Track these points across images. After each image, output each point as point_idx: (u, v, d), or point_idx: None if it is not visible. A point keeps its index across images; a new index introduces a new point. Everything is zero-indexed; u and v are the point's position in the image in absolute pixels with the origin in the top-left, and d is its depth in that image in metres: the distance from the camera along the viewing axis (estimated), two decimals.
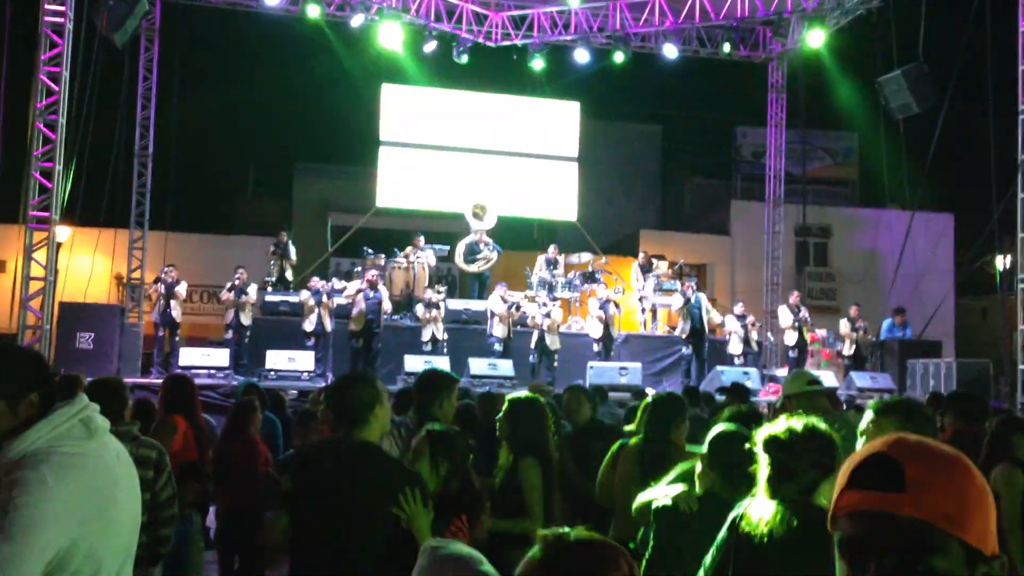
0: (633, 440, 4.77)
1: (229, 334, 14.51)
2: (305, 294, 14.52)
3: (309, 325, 14.26)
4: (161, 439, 5.58)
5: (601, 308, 15.20)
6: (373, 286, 14.33)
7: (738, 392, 8.00)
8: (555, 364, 14.61)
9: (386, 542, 3.11)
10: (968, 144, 18.24)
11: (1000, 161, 15.69)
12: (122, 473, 2.39)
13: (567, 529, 1.69)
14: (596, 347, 15.15)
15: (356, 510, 3.17)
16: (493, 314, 14.95)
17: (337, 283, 15.06)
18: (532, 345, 14.66)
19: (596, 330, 15.19)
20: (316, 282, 14.69)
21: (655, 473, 4.37)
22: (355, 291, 14.26)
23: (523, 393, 4.86)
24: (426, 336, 14.63)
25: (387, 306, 14.52)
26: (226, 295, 14.62)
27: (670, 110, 26.15)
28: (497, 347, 14.67)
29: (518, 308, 14.99)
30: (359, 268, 16.33)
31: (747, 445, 2.95)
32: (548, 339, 14.61)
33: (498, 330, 14.81)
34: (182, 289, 14.73)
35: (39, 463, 2.16)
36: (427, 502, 3.14)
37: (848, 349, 15.93)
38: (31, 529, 2.07)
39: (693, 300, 15.35)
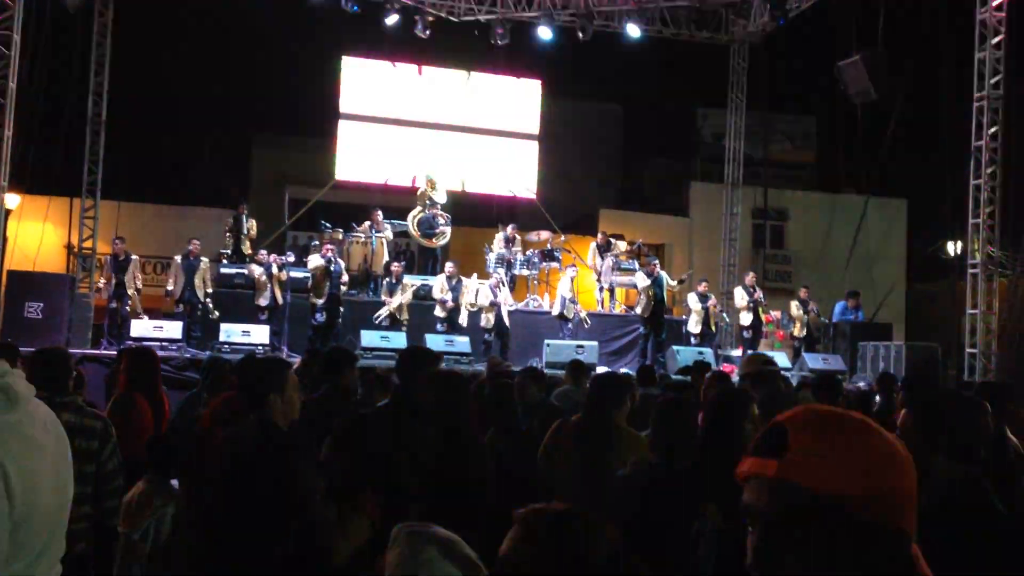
0: (574, 418, 4.79)
1: (179, 308, 14.31)
2: (257, 269, 14.34)
3: (263, 300, 14.11)
4: (121, 415, 5.48)
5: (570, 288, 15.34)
6: (334, 259, 14.27)
7: (700, 371, 8.07)
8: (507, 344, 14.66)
9: None
10: (923, 131, 18.48)
11: (954, 148, 15.94)
12: (49, 446, 2.30)
13: (544, 504, 1.68)
14: (569, 325, 15.25)
15: None
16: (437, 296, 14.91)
17: (290, 257, 14.88)
18: (489, 325, 14.62)
19: (568, 308, 15.27)
20: (264, 256, 14.53)
21: (593, 451, 4.41)
22: (321, 264, 14.14)
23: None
24: (384, 312, 14.55)
25: (345, 277, 14.47)
26: (174, 274, 14.43)
27: (632, 90, 26.12)
28: (440, 327, 14.61)
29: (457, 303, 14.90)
30: (316, 242, 16.18)
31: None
32: (485, 317, 14.61)
33: (440, 310, 14.73)
34: (135, 264, 14.50)
35: None
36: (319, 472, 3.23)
37: (799, 331, 16.13)
38: None
39: (658, 280, 15.43)
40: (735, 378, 5.01)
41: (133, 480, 4.93)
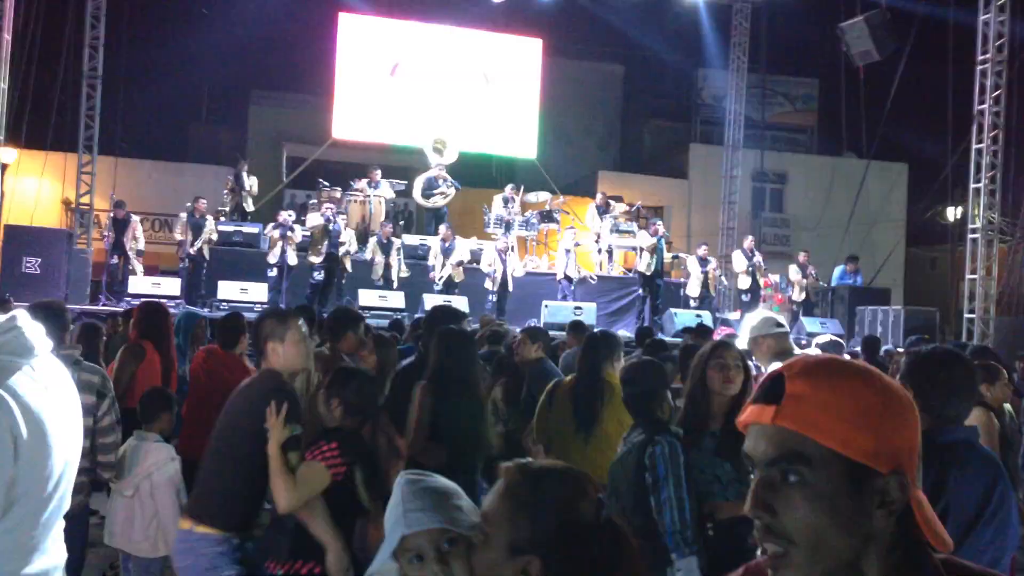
0: (568, 378, 4.79)
1: (184, 263, 14.32)
2: (270, 227, 14.37)
3: (273, 258, 14.09)
4: (127, 363, 5.51)
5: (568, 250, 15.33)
6: (333, 219, 14.23)
7: (702, 333, 8.14)
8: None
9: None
10: (926, 94, 18.35)
11: (956, 112, 15.86)
12: (60, 397, 2.31)
13: (530, 459, 1.67)
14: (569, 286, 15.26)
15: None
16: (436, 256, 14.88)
17: (293, 215, 14.86)
18: (494, 287, 14.62)
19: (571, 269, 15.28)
20: (283, 215, 14.52)
21: (587, 411, 4.43)
22: (320, 223, 14.11)
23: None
24: (375, 274, 14.53)
25: (345, 237, 14.40)
26: (182, 228, 14.40)
27: (632, 51, 25.89)
28: (436, 287, 14.61)
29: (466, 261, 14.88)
30: (314, 200, 16.11)
31: None
32: (490, 280, 14.62)
33: (437, 274, 14.71)
34: (134, 224, 14.52)
35: None
36: (292, 418, 3.30)
37: (798, 295, 16.14)
38: None
39: (661, 241, 15.42)
40: (740, 339, 4.99)
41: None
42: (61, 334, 4.21)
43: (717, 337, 6.83)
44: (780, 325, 4.92)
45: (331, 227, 14.19)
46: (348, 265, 14.38)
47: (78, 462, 2.40)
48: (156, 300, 8.42)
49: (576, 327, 7.45)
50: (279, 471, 3.22)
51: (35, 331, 2.28)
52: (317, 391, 3.73)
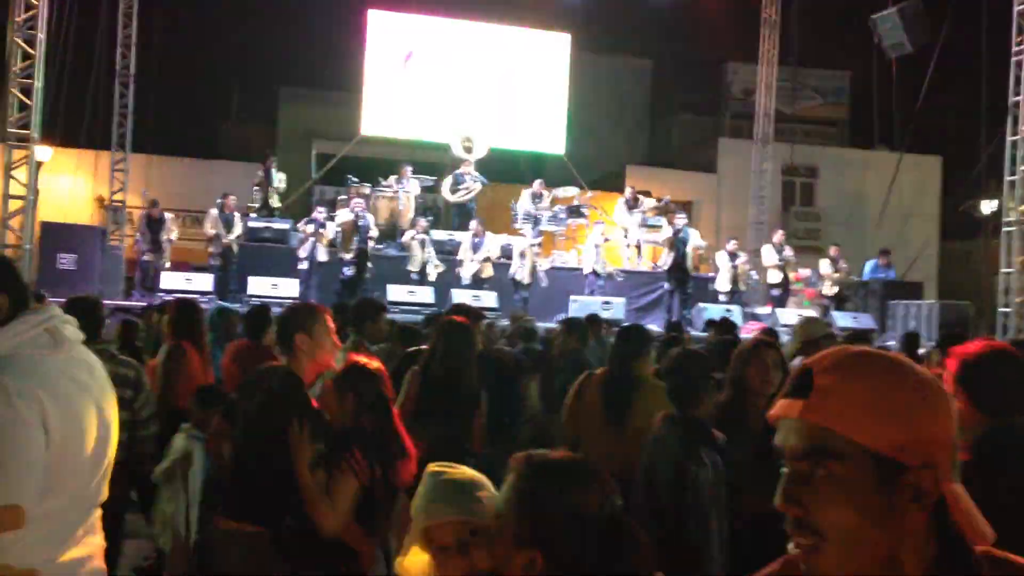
0: (598, 371, 4.80)
1: (214, 261, 14.44)
2: (303, 222, 14.53)
3: (303, 252, 14.20)
4: (171, 364, 5.55)
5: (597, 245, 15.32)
6: (362, 215, 14.31)
7: (725, 327, 8.04)
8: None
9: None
10: (959, 86, 18.10)
11: (991, 104, 15.64)
12: (94, 389, 2.32)
13: (542, 451, 1.67)
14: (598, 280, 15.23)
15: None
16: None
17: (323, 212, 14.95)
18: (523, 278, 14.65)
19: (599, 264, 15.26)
20: (317, 212, 14.62)
21: (617, 404, 4.42)
22: (350, 219, 14.20)
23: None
24: (415, 266, 14.59)
25: (374, 233, 14.48)
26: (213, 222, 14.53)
27: (661, 45, 25.76)
28: (465, 282, 14.63)
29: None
30: (343, 196, 16.19)
31: None
32: (524, 273, 14.64)
33: (466, 269, 14.74)
34: (169, 222, 14.70)
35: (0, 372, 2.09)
36: (314, 435, 3.25)
37: (829, 289, 16.00)
38: (16, 436, 2.02)
39: (681, 234, 15.33)
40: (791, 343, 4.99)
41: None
42: (97, 328, 4.28)
43: (746, 332, 6.81)
44: (828, 325, 4.93)
45: (360, 223, 14.26)
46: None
47: (114, 454, 2.44)
48: (188, 297, 8.48)
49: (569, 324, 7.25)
50: (316, 497, 3.15)
51: (67, 325, 2.31)
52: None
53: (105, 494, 2.40)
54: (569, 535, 1.54)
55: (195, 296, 12.89)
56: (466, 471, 2.12)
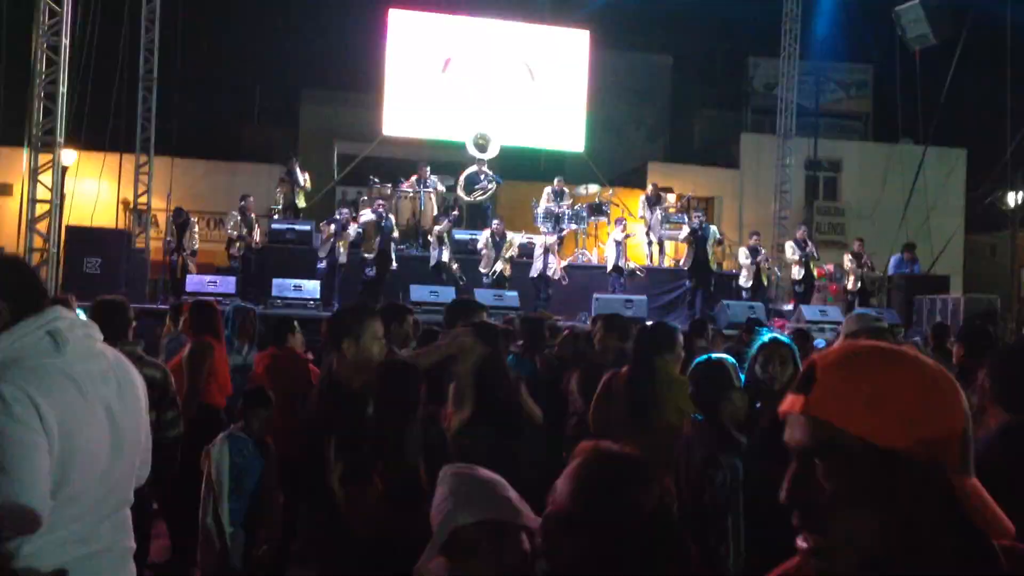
0: (624, 368, 4.78)
1: (236, 263, 14.55)
2: (325, 222, 14.60)
3: (323, 252, 14.27)
4: (199, 360, 5.60)
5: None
6: (386, 215, 14.38)
7: (752, 329, 7.84)
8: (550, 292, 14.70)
9: None
10: (984, 77, 17.91)
11: (1016, 96, 15.48)
12: (103, 391, 2.31)
13: (607, 442, 1.69)
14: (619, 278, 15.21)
15: None
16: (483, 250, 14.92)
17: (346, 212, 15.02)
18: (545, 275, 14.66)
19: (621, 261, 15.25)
20: (341, 212, 14.71)
21: (640, 401, 4.41)
22: (372, 219, 14.27)
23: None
24: (432, 262, 14.65)
25: (396, 235, 14.55)
26: (235, 224, 14.64)
27: (681, 40, 25.66)
28: (486, 280, 14.65)
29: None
30: (365, 197, 16.24)
31: None
32: (546, 272, 14.64)
33: (487, 267, 14.75)
34: (193, 226, 14.85)
35: None
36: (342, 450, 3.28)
37: (852, 284, 15.90)
38: (14, 440, 2.05)
39: (701, 231, 15.27)
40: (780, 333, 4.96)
41: (213, 425, 5.04)
42: (124, 330, 4.31)
43: (772, 331, 6.74)
44: (878, 320, 4.90)
45: (383, 223, 14.31)
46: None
47: (137, 457, 2.45)
48: (205, 298, 8.54)
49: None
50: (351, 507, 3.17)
51: (73, 327, 2.30)
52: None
53: (130, 496, 2.42)
54: (624, 528, 1.55)
55: (216, 297, 13.14)
56: (486, 471, 2.11)
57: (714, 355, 4.43)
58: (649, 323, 5.34)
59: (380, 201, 14.82)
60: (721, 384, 3.67)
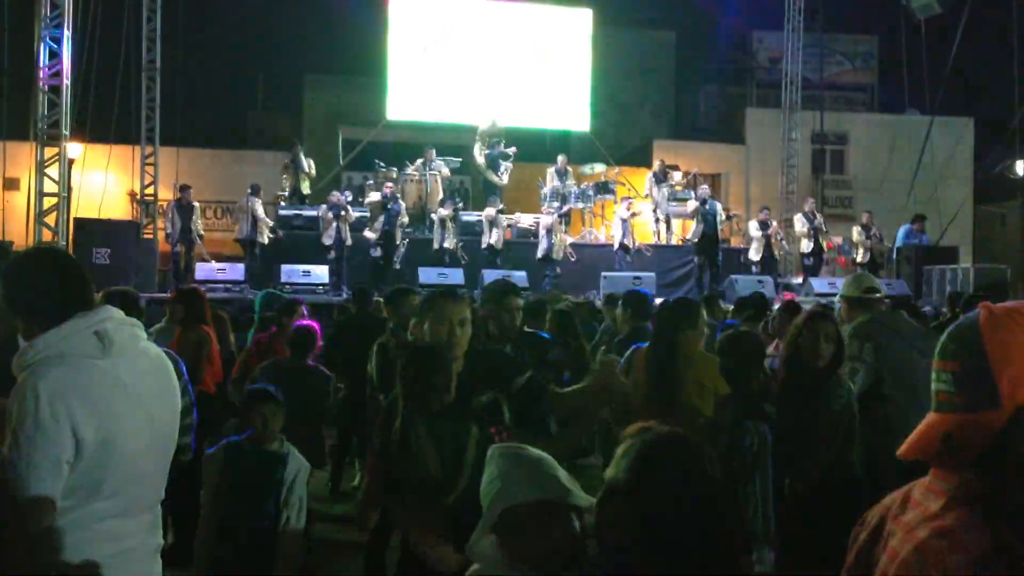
0: (646, 345, 4.73)
1: (251, 247, 14.56)
2: (323, 208, 14.56)
3: (328, 239, 14.29)
4: (196, 349, 5.61)
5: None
6: (393, 198, 14.38)
7: (755, 304, 7.60)
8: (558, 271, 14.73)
9: None
10: (990, 47, 17.79)
11: (1023, 63, 15.36)
12: (146, 395, 2.34)
13: (654, 424, 1.72)
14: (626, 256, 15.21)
15: None
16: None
17: (348, 196, 15.05)
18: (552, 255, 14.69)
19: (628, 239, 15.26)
20: (336, 196, 14.67)
21: (660, 377, 4.38)
22: (378, 199, 14.30)
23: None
24: (436, 245, 14.69)
25: (404, 219, 14.55)
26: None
27: (684, 16, 25.50)
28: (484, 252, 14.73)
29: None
30: (371, 181, 16.25)
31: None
32: (553, 250, 14.67)
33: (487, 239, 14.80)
34: (197, 211, 14.83)
35: (37, 375, 2.14)
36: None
37: (862, 256, 15.86)
38: (33, 440, 2.08)
39: (708, 206, 15.24)
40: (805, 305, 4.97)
41: (210, 413, 5.04)
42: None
43: (779, 303, 6.72)
44: (871, 290, 4.88)
45: (390, 205, 14.32)
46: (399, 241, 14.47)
47: (170, 454, 2.48)
48: (192, 286, 8.41)
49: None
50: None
51: (121, 327, 2.33)
52: None
53: (160, 492, 2.45)
54: (680, 499, 1.61)
55: (226, 284, 13.26)
56: (535, 451, 2.13)
57: (743, 329, 4.46)
58: (672, 299, 5.26)
59: (389, 184, 14.87)
60: (752, 357, 3.71)
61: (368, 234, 14.29)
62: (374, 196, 14.44)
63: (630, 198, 16.03)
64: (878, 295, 4.94)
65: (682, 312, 4.60)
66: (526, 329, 4.71)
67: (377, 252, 14.24)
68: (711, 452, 1.70)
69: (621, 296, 6.45)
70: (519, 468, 2.05)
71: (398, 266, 14.41)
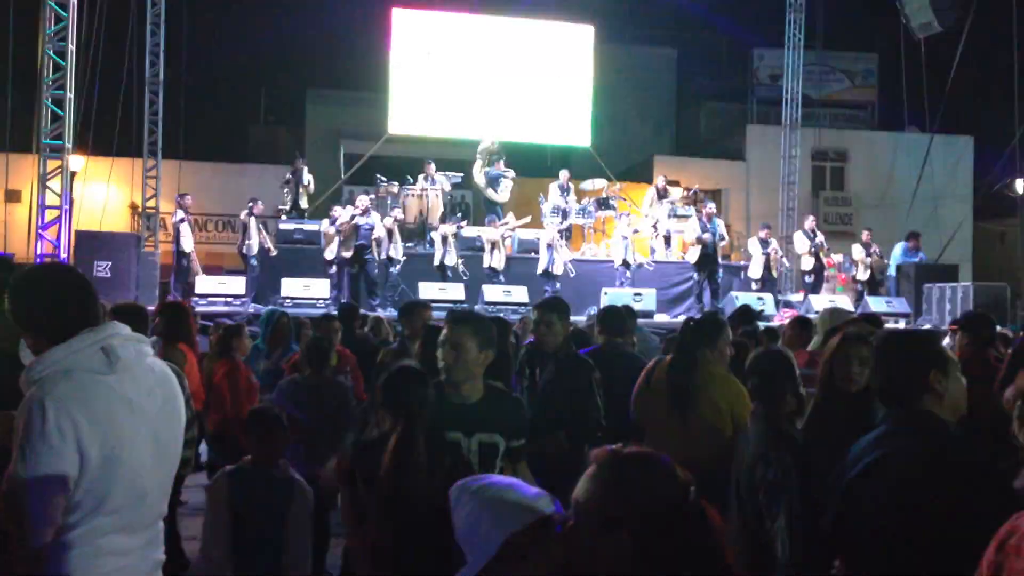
0: (667, 358, 4.68)
1: (253, 262, 14.47)
2: (325, 223, 14.55)
3: (330, 254, 14.27)
4: (175, 369, 5.56)
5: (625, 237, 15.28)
6: (365, 213, 14.28)
7: (745, 317, 7.52)
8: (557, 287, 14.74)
9: None
10: (990, 65, 17.85)
11: (1023, 80, 15.42)
12: (151, 411, 2.35)
13: (620, 444, 1.72)
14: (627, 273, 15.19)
15: None
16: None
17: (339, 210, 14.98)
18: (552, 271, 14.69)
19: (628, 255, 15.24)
20: (337, 211, 14.67)
21: (678, 393, 4.36)
22: (348, 218, 14.23)
23: None
24: (436, 262, 14.66)
25: (379, 233, 14.31)
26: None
27: (685, 32, 25.62)
28: (487, 272, 14.71)
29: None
30: (372, 196, 16.29)
31: None
32: (553, 266, 14.66)
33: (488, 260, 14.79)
34: (184, 224, 14.64)
35: (43, 390, 2.16)
36: None
37: (862, 274, 15.88)
38: (39, 455, 2.10)
39: (710, 225, 15.26)
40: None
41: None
42: (144, 336, 4.33)
43: (780, 320, 6.69)
44: (851, 312, 4.89)
45: (360, 224, 14.16)
46: (377, 254, 14.33)
47: (174, 470, 2.49)
48: (176, 300, 8.14)
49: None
50: None
51: (127, 344, 2.34)
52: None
53: (163, 509, 2.46)
54: (654, 522, 1.59)
55: (227, 298, 13.24)
56: (499, 476, 2.13)
57: (774, 347, 4.39)
58: (697, 315, 5.23)
59: (370, 199, 14.87)
60: (782, 376, 3.62)
61: (345, 254, 14.17)
62: (344, 215, 14.31)
63: (630, 214, 16.06)
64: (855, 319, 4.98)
65: (703, 330, 4.56)
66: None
67: (354, 270, 14.19)
68: (685, 475, 1.68)
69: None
70: (503, 495, 2.05)
71: (394, 278, 14.38)
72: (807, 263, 15.81)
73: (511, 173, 16.85)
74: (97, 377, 2.24)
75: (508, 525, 1.98)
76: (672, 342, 5.62)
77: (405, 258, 14.63)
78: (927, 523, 2.25)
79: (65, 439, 2.12)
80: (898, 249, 16.73)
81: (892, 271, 16.46)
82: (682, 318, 9.97)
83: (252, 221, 14.39)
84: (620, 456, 1.68)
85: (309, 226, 15.46)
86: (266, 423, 3.88)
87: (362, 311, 9.90)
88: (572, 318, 5.51)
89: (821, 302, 14.56)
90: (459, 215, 16.19)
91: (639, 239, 16.38)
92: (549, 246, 14.81)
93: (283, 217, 16.00)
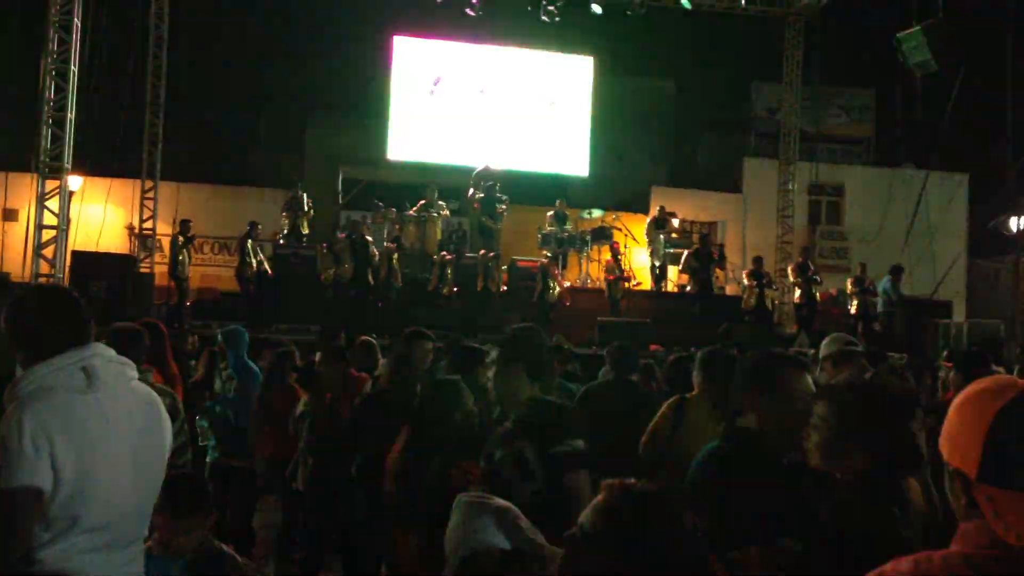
0: (694, 393, 4.59)
1: (250, 285, 14.51)
2: (324, 248, 14.59)
3: (327, 278, 14.30)
4: None
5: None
6: (363, 237, 14.34)
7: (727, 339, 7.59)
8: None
9: None
10: (985, 103, 18.00)
11: (1018, 121, 15.55)
12: (131, 432, 2.37)
13: (633, 480, 1.72)
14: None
15: None
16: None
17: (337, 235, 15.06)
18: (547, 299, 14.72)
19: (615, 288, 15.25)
20: (336, 236, 14.74)
21: (700, 425, 4.26)
22: (343, 243, 14.28)
23: None
24: (431, 287, 14.70)
25: (376, 258, 14.42)
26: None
27: (684, 65, 25.78)
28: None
29: None
30: (370, 221, 16.31)
31: None
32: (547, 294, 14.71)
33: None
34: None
35: (22, 407, 2.19)
36: None
37: (855, 308, 15.90)
38: (13, 472, 2.13)
39: (704, 251, 15.32)
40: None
41: None
42: (140, 357, 4.33)
43: None
44: (851, 344, 4.87)
45: (358, 247, 14.22)
46: (374, 278, 14.37)
47: (156, 493, 2.50)
48: (151, 320, 7.91)
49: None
50: None
51: (109, 364, 2.36)
52: None
53: (143, 529, 2.46)
54: (644, 547, 1.59)
55: (223, 322, 13.18)
56: (499, 500, 2.14)
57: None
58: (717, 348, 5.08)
59: (366, 224, 14.91)
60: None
61: (339, 279, 14.20)
62: (341, 240, 14.40)
63: (627, 245, 16.09)
64: (858, 348, 4.98)
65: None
66: None
67: (352, 293, 14.24)
68: (692, 518, 1.68)
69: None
70: (483, 516, 2.06)
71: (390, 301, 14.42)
72: (800, 296, 15.84)
73: (504, 199, 16.87)
74: (76, 396, 2.27)
75: (475, 543, 2.01)
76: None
77: (401, 285, 14.66)
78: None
79: (40, 455, 2.14)
80: (883, 282, 16.74)
81: (880, 306, 16.46)
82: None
83: (250, 244, 14.43)
84: (625, 486, 1.69)
85: (306, 251, 15.48)
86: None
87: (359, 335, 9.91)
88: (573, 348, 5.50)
89: (814, 336, 14.61)
90: (456, 242, 16.19)
91: (636, 269, 16.42)
92: (543, 275, 14.84)
93: (281, 241, 16.02)
